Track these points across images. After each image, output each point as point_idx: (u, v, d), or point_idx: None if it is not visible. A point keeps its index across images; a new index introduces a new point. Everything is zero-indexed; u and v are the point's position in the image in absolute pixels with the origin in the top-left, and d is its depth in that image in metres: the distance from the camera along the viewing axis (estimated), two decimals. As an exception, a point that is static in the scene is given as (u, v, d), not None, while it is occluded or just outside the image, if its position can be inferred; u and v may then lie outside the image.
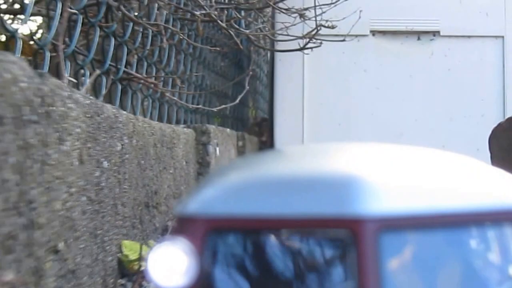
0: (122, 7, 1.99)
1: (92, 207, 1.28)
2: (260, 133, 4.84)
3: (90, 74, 1.94)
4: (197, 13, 2.51)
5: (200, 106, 2.94)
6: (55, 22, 1.56)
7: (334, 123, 4.56)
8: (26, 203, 0.89)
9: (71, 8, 1.67)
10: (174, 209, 0.72)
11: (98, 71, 1.99)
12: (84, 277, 1.15)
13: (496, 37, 4.56)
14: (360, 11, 4.19)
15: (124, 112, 1.65)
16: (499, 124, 2.06)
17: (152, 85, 2.39)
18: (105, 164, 1.42)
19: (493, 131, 2.06)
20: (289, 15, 3.87)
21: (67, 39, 1.75)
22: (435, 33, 4.76)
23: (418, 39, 4.78)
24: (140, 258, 1.49)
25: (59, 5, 1.58)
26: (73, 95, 1.18)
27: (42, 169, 0.96)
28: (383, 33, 4.77)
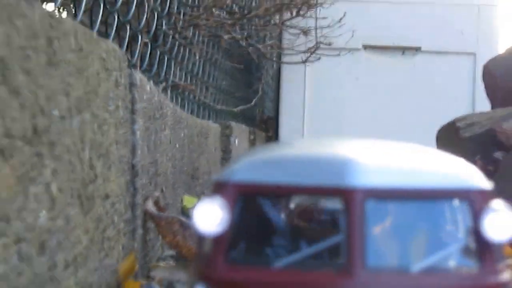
0: (176, 35, 2.76)
1: (173, 169, 2.06)
2: (267, 129, 5.63)
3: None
4: (225, 37, 3.28)
5: (224, 107, 3.72)
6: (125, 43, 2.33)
7: (329, 122, 5.35)
8: (174, 159, 1.66)
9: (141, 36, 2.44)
10: (213, 178, 0.71)
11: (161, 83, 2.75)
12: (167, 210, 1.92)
13: (469, 53, 5.30)
14: (354, 31, 4.97)
15: (183, 111, 2.42)
16: (438, 131, 2.83)
17: (191, 90, 3.15)
18: (177, 145, 2.20)
19: (436, 136, 2.84)
20: (294, 35, 4.64)
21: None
22: (417, 49, 5.54)
23: (403, 53, 5.57)
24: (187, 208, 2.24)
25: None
26: (164, 103, 1.96)
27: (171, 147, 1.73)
28: (373, 47, 5.56)
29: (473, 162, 2.56)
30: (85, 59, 1.09)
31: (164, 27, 2.68)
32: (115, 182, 1.32)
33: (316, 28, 4.52)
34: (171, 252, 1.78)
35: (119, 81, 1.30)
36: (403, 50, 5.56)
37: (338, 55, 4.78)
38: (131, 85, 1.45)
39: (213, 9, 3.31)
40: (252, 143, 4.44)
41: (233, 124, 3.59)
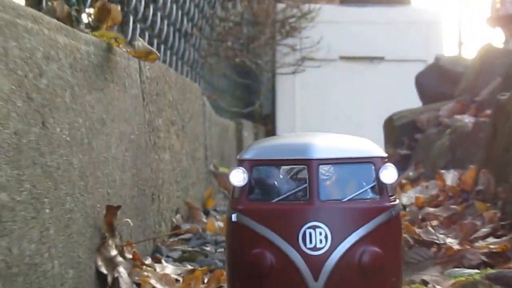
0: (205, 61, 4.13)
1: (216, 150, 3.44)
2: (266, 124, 7.02)
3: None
4: (237, 60, 4.65)
5: (236, 109, 5.10)
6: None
7: (315, 117, 6.75)
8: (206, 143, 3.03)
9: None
10: (238, 156, 1.12)
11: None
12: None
13: (420, 61, 6.64)
14: (331, 45, 6.37)
15: (214, 114, 3.79)
16: (384, 121, 4.21)
17: (214, 99, 4.52)
18: (215, 136, 3.57)
19: (383, 125, 4.21)
20: (285, 53, 6.03)
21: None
22: (381, 58, 6.94)
23: (370, 62, 6.96)
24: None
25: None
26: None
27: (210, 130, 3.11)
28: (347, 58, 6.96)
29: (402, 140, 3.94)
30: (195, 100, 2.49)
31: (196, 56, 4.05)
32: (201, 153, 2.71)
33: (300, 47, 5.90)
34: (222, 190, 3.15)
35: (205, 103, 2.70)
36: (371, 59, 6.96)
37: (319, 66, 6.17)
38: (204, 105, 2.84)
39: (228, 41, 4.70)
40: (256, 134, 5.83)
41: (243, 121, 4.97)
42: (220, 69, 4.63)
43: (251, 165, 1.03)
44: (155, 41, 2.93)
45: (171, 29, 3.28)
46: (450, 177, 2.63)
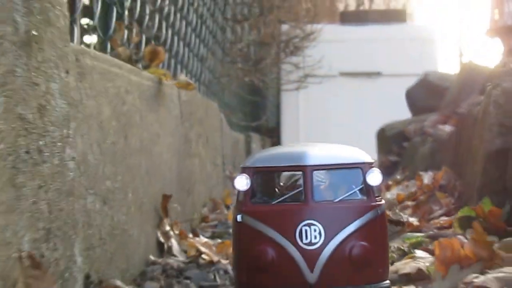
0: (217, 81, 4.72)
1: (229, 159, 4.02)
2: (272, 136, 7.61)
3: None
4: (246, 79, 5.24)
5: (245, 123, 5.68)
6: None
7: (317, 129, 7.33)
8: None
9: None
10: (241, 165, 1.19)
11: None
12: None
13: (416, 75, 7.19)
14: (332, 62, 6.96)
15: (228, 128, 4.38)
16: (377, 132, 4.78)
17: (228, 115, 5.10)
18: (229, 147, 4.15)
19: (376, 135, 4.78)
20: (288, 71, 6.62)
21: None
22: (379, 73, 7.52)
23: (369, 77, 7.55)
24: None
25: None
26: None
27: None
28: (347, 74, 7.56)
29: (392, 148, 4.52)
30: (215, 117, 3.08)
31: (211, 77, 4.63)
32: (219, 160, 3.29)
33: (303, 65, 6.50)
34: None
35: (222, 119, 3.28)
36: (369, 74, 7.56)
37: (321, 82, 6.76)
38: (221, 121, 3.42)
39: (238, 63, 5.29)
40: (263, 146, 6.42)
41: (251, 134, 5.56)
42: (231, 88, 5.22)
43: (253, 172, 1.14)
44: (179, 67, 3.51)
45: (191, 55, 3.87)
46: (427, 177, 3.20)
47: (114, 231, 1.60)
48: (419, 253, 1.69)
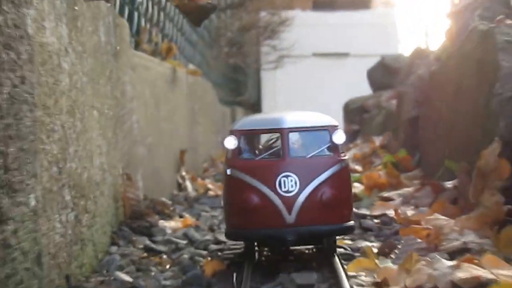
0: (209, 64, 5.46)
1: (219, 127, 4.79)
2: (253, 110, 8.38)
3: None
4: (230, 61, 5.99)
5: (231, 98, 6.43)
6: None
7: (292, 104, 8.11)
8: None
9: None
10: (229, 128, 1.38)
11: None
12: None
13: (377, 55, 7.96)
14: (305, 45, 7.72)
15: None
16: (343, 105, 5.56)
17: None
18: (220, 118, 4.92)
19: (343, 108, 5.56)
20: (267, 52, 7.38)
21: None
22: (347, 54, 8.30)
23: (338, 57, 8.33)
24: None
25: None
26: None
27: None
28: (319, 54, 8.33)
29: (355, 119, 5.29)
30: (210, 94, 3.85)
31: (201, 59, 5.36)
32: (213, 128, 4.05)
33: (280, 47, 7.26)
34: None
35: (215, 95, 4.05)
36: (338, 55, 8.34)
37: (295, 62, 7.53)
38: (214, 96, 4.18)
39: (225, 47, 6.03)
40: (245, 115, 7.21)
41: (236, 108, 6.33)
42: (218, 68, 5.97)
43: (240, 134, 1.32)
44: (177, 53, 4.25)
45: (187, 42, 4.61)
46: (378, 140, 3.98)
47: (154, 171, 2.37)
48: (356, 184, 2.47)
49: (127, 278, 1.34)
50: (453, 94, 2.30)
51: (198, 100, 3.48)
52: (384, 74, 5.77)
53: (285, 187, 1.26)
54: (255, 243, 1.37)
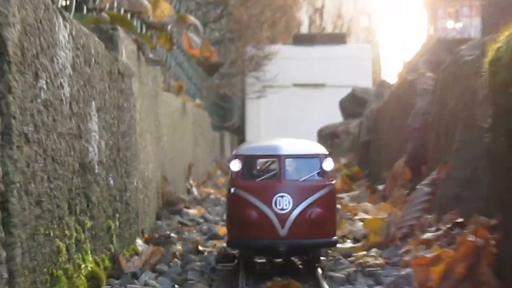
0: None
1: (213, 149, 5.71)
2: (238, 134, 9.31)
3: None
4: (221, 91, 6.91)
5: (220, 124, 7.34)
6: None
7: (273, 130, 9.05)
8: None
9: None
10: (233, 152, 1.61)
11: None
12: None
13: (351, 86, 8.92)
14: (286, 77, 8.67)
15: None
16: (317, 131, 6.48)
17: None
18: (213, 141, 5.84)
19: (317, 133, 6.49)
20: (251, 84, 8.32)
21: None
22: (324, 85, 9.26)
23: (316, 87, 9.28)
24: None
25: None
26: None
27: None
28: (299, 85, 9.29)
29: (326, 143, 6.22)
30: (206, 121, 4.79)
31: (195, 89, 6.29)
32: (208, 149, 4.97)
33: (263, 78, 8.21)
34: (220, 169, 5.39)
35: (209, 122, 4.98)
36: (316, 85, 9.31)
37: (277, 92, 8.48)
38: (209, 123, 5.12)
39: (216, 79, 6.95)
40: (231, 141, 8.11)
41: (224, 132, 7.25)
42: (209, 97, 6.89)
43: (243, 158, 1.55)
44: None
45: (187, 79, 5.53)
46: (343, 160, 4.91)
47: (173, 178, 3.27)
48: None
49: (173, 234, 2.23)
50: (389, 124, 3.25)
51: (199, 126, 4.40)
52: (353, 104, 6.71)
53: (280, 205, 1.48)
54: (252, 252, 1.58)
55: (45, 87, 1.28)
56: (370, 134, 3.71)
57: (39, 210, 1.22)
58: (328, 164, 1.53)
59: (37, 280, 1.21)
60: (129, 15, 2.51)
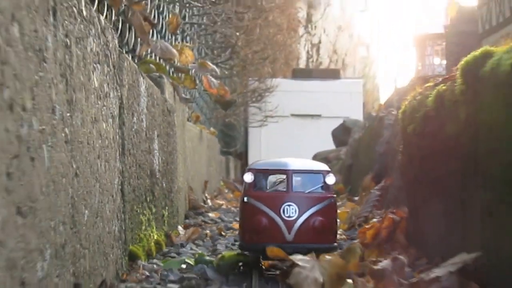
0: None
1: (220, 170, 6.53)
2: (241, 159, 10.12)
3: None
4: (226, 120, 7.73)
5: (225, 149, 8.16)
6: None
7: (273, 155, 9.84)
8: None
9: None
10: (247, 167, 1.73)
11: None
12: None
13: (344, 117, 9.75)
14: (285, 106, 9.50)
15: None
16: (312, 156, 7.30)
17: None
18: (221, 164, 6.65)
19: (312, 158, 7.31)
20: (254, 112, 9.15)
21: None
22: (320, 116, 10.09)
23: (312, 118, 10.11)
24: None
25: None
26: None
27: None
28: (296, 115, 10.12)
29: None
30: (216, 146, 5.62)
31: (206, 119, 7.12)
32: (217, 170, 5.79)
33: (265, 109, 9.03)
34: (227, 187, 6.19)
35: (218, 148, 5.80)
36: (312, 116, 10.14)
37: (277, 121, 9.31)
38: (218, 148, 5.93)
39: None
40: (235, 165, 8.93)
41: (229, 157, 8.06)
42: (217, 125, 7.71)
43: (256, 171, 1.74)
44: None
45: (199, 110, 6.35)
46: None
47: (194, 190, 4.08)
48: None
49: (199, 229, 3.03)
50: (366, 150, 4.06)
51: (211, 151, 5.22)
52: (343, 133, 7.52)
53: (287, 213, 1.63)
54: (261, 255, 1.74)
55: (136, 121, 2.09)
56: (353, 158, 4.52)
57: (133, 195, 2.03)
58: (330, 179, 1.72)
59: (132, 238, 2.01)
60: (161, 60, 3.35)
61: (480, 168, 1.52)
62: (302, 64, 13.36)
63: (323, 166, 1.77)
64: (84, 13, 1.48)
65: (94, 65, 1.57)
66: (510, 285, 1.37)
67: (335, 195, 1.75)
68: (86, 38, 1.50)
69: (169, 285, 1.67)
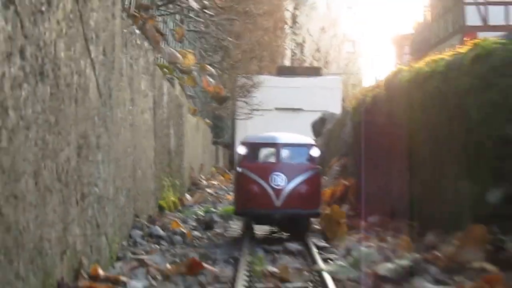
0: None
1: (211, 157, 7.30)
2: (228, 148, 10.88)
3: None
4: (216, 112, 8.50)
5: (215, 139, 8.92)
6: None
7: (259, 145, 10.64)
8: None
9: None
10: (241, 140, 2.30)
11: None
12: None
13: (323, 111, 10.51)
14: (270, 102, 10.28)
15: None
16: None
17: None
18: (210, 151, 7.43)
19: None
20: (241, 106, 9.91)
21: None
22: (301, 109, 10.88)
23: (294, 111, 10.89)
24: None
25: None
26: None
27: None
28: (280, 109, 10.90)
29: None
30: (209, 135, 6.41)
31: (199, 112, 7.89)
32: (211, 157, 6.57)
33: (251, 103, 9.80)
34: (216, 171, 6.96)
35: (211, 137, 6.59)
36: (294, 109, 10.92)
37: (262, 115, 10.07)
38: (211, 137, 6.71)
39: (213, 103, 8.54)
40: (224, 154, 9.69)
41: (218, 146, 8.84)
42: (208, 117, 8.48)
43: (248, 144, 2.46)
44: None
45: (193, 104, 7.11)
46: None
47: (194, 171, 4.85)
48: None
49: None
50: (335, 140, 4.85)
51: (205, 139, 5.99)
52: (321, 125, 8.28)
53: (276, 181, 1.91)
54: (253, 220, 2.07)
55: (161, 113, 2.87)
56: (325, 146, 5.31)
57: (160, 166, 2.81)
58: (315, 152, 1.99)
59: (157, 197, 2.78)
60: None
61: (398, 145, 2.31)
62: (287, 62, 14.16)
63: (309, 140, 2.14)
64: (138, 42, 2.25)
65: (142, 75, 2.35)
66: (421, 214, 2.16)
67: (319, 167, 2.04)
68: (138, 58, 2.27)
69: (190, 222, 2.45)
